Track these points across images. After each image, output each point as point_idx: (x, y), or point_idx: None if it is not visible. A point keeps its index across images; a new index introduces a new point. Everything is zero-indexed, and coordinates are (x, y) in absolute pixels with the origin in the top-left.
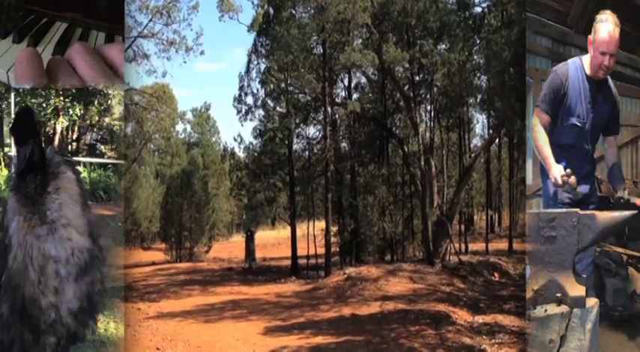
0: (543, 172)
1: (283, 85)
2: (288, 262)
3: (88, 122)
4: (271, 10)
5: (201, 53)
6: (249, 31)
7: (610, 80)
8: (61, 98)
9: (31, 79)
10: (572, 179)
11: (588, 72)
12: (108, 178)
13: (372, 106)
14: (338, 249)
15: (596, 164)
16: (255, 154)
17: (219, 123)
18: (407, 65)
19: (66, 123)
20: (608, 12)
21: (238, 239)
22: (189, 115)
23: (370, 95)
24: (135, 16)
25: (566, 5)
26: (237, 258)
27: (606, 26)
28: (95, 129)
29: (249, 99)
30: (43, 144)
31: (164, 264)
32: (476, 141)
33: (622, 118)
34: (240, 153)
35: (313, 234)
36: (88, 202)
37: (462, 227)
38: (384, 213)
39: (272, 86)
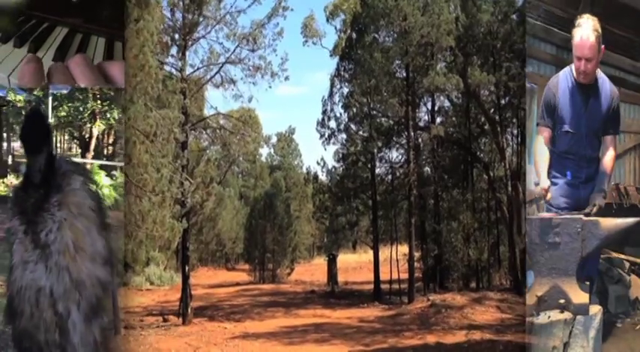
0: None
1: (366, 109)
2: (370, 286)
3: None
4: (354, 35)
5: (286, 78)
6: (331, 55)
7: (604, 82)
8: (99, 102)
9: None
10: (548, 196)
11: (576, 78)
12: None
13: (456, 130)
14: (421, 275)
15: (599, 167)
16: (338, 178)
17: (302, 146)
18: (492, 88)
19: (103, 127)
20: (586, 16)
21: (320, 262)
22: (273, 139)
23: (454, 119)
24: (223, 42)
25: (569, 12)
26: (319, 281)
27: (580, 31)
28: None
29: (332, 123)
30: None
31: (248, 285)
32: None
33: (625, 125)
34: (323, 177)
35: (396, 259)
36: (106, 221)
37: None
38: (468, 239)
39: (355, 110)
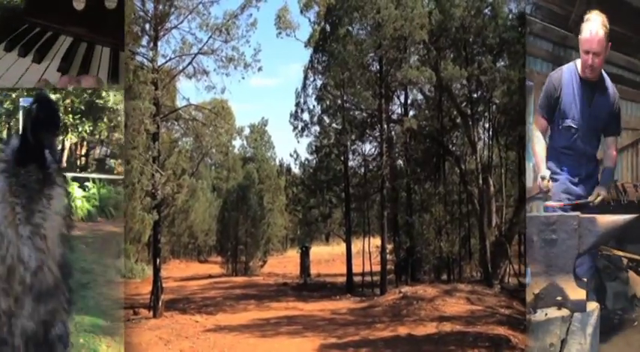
0: None
1: (339, 102)
2: (342, 279)
3: (97, 137)
4: (328, 27)
5: (259, 69)
6: (306, 47)
7: (607, 80)
8: (70, 115)
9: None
10: (550, 185)
11: (581, 73)
12: (118, 194)
13: (429, 123)
14: (393, 267)
15: (598, 165)
16: (311, 170)
17: (275, 138)
18: (465, 82)
19: (75, 140)
20: (595, 12)
21: (293, 254)
22: (246, 131)
23: (427, 112)
24: (195, 33)
25: (566, 9)
26: (291, 273)
27: (589, 25)
28: (104, 144)
29: (306, 116)
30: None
31: (220, 277)
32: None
33: (623, 122)
34: (296, 169)
35: (368, 251)
36: (71, 229)
37: (522, 248)
38: (440, 231)
39: (328, 102)
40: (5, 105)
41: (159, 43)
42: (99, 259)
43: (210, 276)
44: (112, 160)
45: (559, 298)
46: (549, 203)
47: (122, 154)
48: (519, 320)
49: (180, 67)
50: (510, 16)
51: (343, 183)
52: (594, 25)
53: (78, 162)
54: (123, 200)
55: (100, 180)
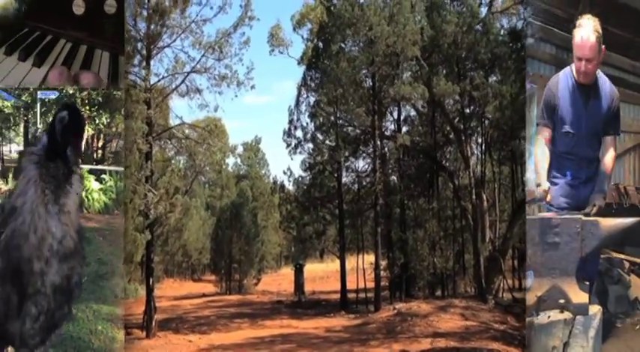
0: None
1: (333, 118)
2: (337, 296)
3: (115, 130)
4: (321, 44)
5: (252, 87)
6: (299, 64)
7: (604, 82)
8: (87, 107)
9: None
10: (548, 197)
11: (576, 78)
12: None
13: (422, 139)
14: (387, 284)
15: (598, 167)
16: (305, 187)
17: (268, 155)
18: (457, 98)
19: (92, 132)
20: (587, 17)
21: (287, 271)
22: (239, 149)
23: (420, 128)
24: (188, 51)
25: (569, 12)
26: (286, 291)
27: (580, 31)
28: (121, 137)
29: (299, 133)
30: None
31: (214, 296)
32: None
33: (625, 125)
34: (290, 186)
35: (362, 268)
36: (82, 205)
37: (516, 263)
38: (434, 247)
39: (321, 119)
40: (23, 98)
41: (151, 62)
42: (115, 251)
43: (204, 295)
44: None
45: (562, 301)
46: (548, 214)
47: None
48: (513, 336)
49: (173, 86)
50: (502, 32)
51: (337, 199)
52: (585, 31)
53: (95, 155)
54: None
55: (117, 172)
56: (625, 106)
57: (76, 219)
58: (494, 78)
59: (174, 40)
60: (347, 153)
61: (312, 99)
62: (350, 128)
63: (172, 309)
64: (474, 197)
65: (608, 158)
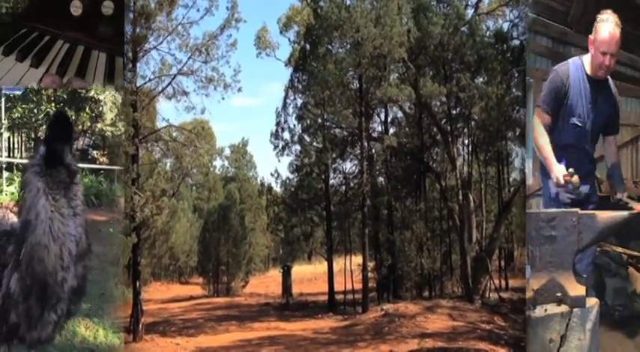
0: (543, 172)
1: (320, 120)
2: (324, 297)
3: (80, 127)
4: (308, 46)
5: (239, 90)
6: (286, 66)
7: (610, 79)
8: (53, 104)
9: None
10: (575, 178)
11: (589, 71)
12: (100, 184)
13: (409, 141)
14: (375, 285)
15: (596, 164)
16: (292, 189)
17: (256, 158)
18: (444, 99)
19: None
20: (609, 12)
21: (275, 273)
22: (227, 151)
23: (407, 129)
24: (174, 54)
25: (566, 5)
26: (273, 293)
27: (607, 26)
28: (87, 135)
29: (286, 135)
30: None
31: (202, 299)
32: (515, 175)
33: (622, 118)
34: (278, 188)
35: (350, 270)
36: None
37: (502, 263)
38: (421, 248)
39: (309, 121)
40: None
41: (137, 65)
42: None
43: (191, 298)
44: (94, 151)
45: (559, 294)
46: (539, 209)
47: (104, 145)
48: (500, 336)
49: (160, 88)
50: (488, 34)
51: (324, 201)
52: (611, 26)
53: None
54: (106, 189)
55: (83, 169)
56: (622, 99)
57: (84, 218)
58: (481, 79)
59: (161, 43)
60: (334, 155)
61: (299, 102)
62: (337, 130)
63: (159, 312)
64: (460, 198)
65: (613, 152)
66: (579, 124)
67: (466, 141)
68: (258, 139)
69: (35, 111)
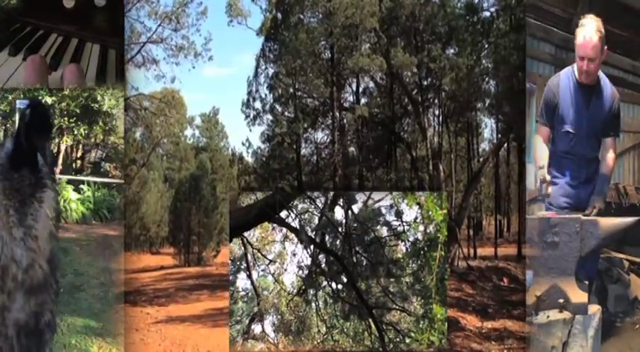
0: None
1: (291, 90)
2: None
3: (93, 141)
4: (279, 15)
5: (210, 58)
6: (257, 35)
7: (605, 82)
8: (66, 118)
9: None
10: (549, 190)
11: (578, 78)
12: (112, 197)
13: (380, 111)
14: None
15: (600, 169)
16: (264, 159)
17: (227, 127)
18: (415, 70)
19: (70, 143)
20: (590, 16)
21: None
22: (197, 120)
23: (378, 100)
24: (144, 21)
25: (569, 12)
26: None
27: (583, 31)
28: (100, 148)
29: (258, 104)
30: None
31: (173, 269)
32: (484, 146)
33: (625, 124)
34: (249, 158)
35: None
36: (59, 229)
37: (471, 232)
38: None
39: (280, 91)
40: (1, 107)
41: None
42: (93, 262)
43: (162, 268)
44: (107, 164)
45: (561, 300)
46: (546, 213)
47: (117, 158)
48: (468, 303)
49: (129, 56)
50: (459, 5)
51: (296, 171)
52: (588, 31)
53: (73, 165)
54: (118, 204)
55: (95, 183)
56: (624, 106)
57: (48, 245)
58: (451, 50)
59: (129, 10)
60: (305, 125)
61: (270, 71)
62: (309, 100)
63: (129, 282)
64: (431, 168)
65: (609, 159)
66: (571, 131)
67: (437, 112)
68: (229, 109)
69: None
